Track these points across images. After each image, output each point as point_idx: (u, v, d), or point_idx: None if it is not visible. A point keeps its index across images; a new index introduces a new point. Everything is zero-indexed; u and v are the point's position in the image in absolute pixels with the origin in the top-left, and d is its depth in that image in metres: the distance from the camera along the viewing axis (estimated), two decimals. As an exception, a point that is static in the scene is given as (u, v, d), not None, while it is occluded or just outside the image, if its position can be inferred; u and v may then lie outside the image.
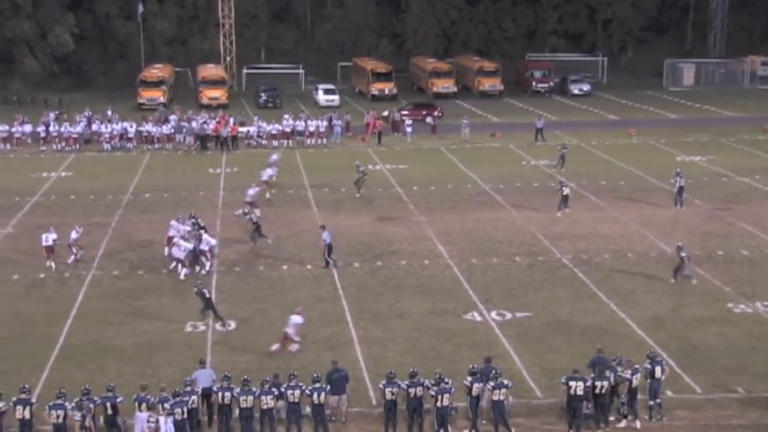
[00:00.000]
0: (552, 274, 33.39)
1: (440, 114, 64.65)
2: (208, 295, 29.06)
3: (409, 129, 58.62)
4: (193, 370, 23.40)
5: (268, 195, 43.54)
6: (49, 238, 33.93)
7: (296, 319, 26.77)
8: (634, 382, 22.28)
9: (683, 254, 31.99)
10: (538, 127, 58.87)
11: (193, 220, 35.46)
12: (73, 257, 34.35)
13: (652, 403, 22.74)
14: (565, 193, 40.96)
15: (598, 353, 23.57)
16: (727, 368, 25.51)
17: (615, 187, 46.19)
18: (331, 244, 34.01)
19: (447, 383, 21.73)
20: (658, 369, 22.73)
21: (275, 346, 26.43)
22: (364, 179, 44.71)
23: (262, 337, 27.55)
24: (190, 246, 33.30)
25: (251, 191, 40.22)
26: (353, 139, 59.26)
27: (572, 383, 21.88)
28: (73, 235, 34.54)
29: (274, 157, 48.94)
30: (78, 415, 20.91)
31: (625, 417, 22.46)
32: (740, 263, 34.37)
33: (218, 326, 28.45)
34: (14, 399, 21.09)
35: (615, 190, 45.43)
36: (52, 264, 33.63)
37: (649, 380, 22.69)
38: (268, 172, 45.04)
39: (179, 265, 32.88)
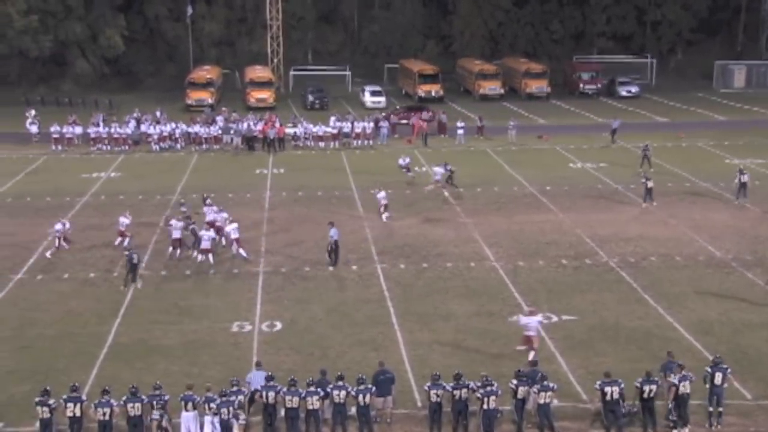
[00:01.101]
0: (599, 277, 33.14)
1: (431, 117, 63.63)
2: (135, 261, 31.85)
3: (460, 131, 58.26)
4: (239, 370, 23.56)
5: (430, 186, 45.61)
6: (55, 228, 36.22)
7: (536, 318, 26.50)
8: (681, 389, 21.96)
9: None
10: (613, 127, 58.76)
11: (207, 202, 37.97)
12: (125, 239, 35.90)
13: (711, 409, 22.35)
14: (649, 186, 42.35)
15: (669, 357, 23.28)
16: (777, 374, 25.14)
17: (663, 189, 45.67)
18: (338, 241, 34.22)
19: (493, 385, 21.64)
20: (718, 375, 22.29)
21: (522, 347, 26.22)
22: (453, 177, 45.48)
23: (308, 338, 27.67)
24: (212, 234, 34.83)
25: (381, 194, 41.03)
26: (399, 140, 59.27)
27: (608, 389, 21.71)
28: (124, 220, 36.43)
29: (406, 159, 48.33)
30: (156, 414, 21.17)
31: (674, 425, 22.11)
32: (792, 268, 33.86)
33: (139, 285, 31.80)
34: (65, 396, 21.39)
35: (664, 193, 44.92)
36: (48, 254, 35.47)
37: (708, 386, 22.36)
38: (439, 171, 45.96)
39: (199, 255, 34.48)
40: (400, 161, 48.11)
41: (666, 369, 22.79)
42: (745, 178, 42.50)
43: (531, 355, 25.30)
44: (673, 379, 22.05)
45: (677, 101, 77.08)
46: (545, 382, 21.87)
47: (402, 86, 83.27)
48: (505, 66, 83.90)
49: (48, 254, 35.32)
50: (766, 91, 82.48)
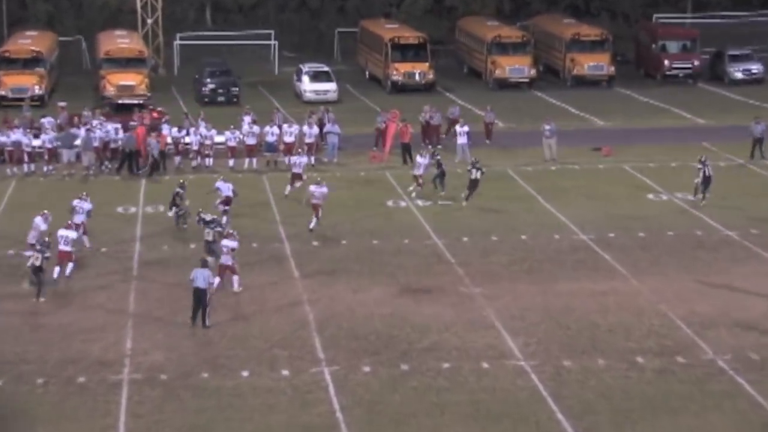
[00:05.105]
0: (700, 386, 33.25)
1: (164, 117, 61.81)
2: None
3: (462, 140, 58.37)
4: None
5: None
6: None
7: None
8: None
9: None
10: (755, 135, 59.27)
11: None
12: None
13: None
14: (707, 174, 47.94)
15: None
16: None
17: (806, 238, 46.17)
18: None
19: None
20: None
21: None
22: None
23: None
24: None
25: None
26: (360, 155, 59.35)
27: None
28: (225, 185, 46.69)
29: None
30: None
31: None
32: None
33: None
34: None
35: (807, 244, 45.42)
36: None
37: None
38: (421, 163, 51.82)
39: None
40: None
41: None
42: (708, 171, 48.29)
43: None
44: None
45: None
46: None
47: (365, 65, 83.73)
48: (537, 31, 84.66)
49: None
50: None
